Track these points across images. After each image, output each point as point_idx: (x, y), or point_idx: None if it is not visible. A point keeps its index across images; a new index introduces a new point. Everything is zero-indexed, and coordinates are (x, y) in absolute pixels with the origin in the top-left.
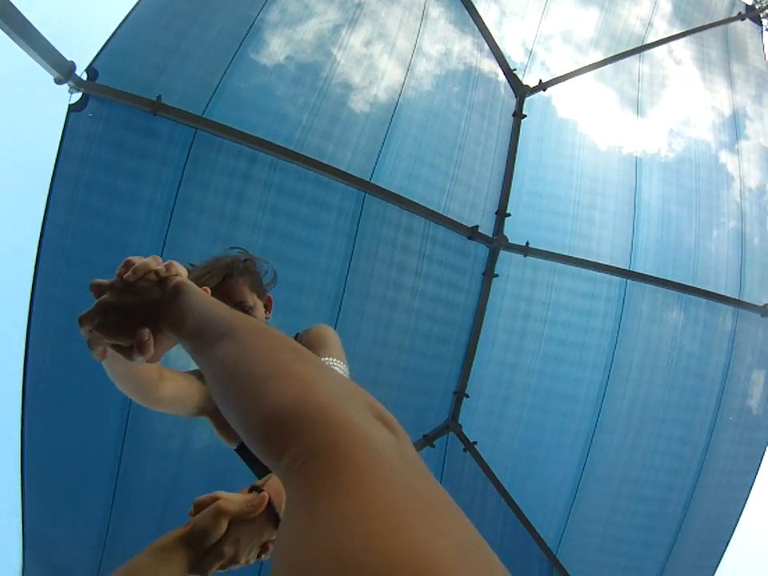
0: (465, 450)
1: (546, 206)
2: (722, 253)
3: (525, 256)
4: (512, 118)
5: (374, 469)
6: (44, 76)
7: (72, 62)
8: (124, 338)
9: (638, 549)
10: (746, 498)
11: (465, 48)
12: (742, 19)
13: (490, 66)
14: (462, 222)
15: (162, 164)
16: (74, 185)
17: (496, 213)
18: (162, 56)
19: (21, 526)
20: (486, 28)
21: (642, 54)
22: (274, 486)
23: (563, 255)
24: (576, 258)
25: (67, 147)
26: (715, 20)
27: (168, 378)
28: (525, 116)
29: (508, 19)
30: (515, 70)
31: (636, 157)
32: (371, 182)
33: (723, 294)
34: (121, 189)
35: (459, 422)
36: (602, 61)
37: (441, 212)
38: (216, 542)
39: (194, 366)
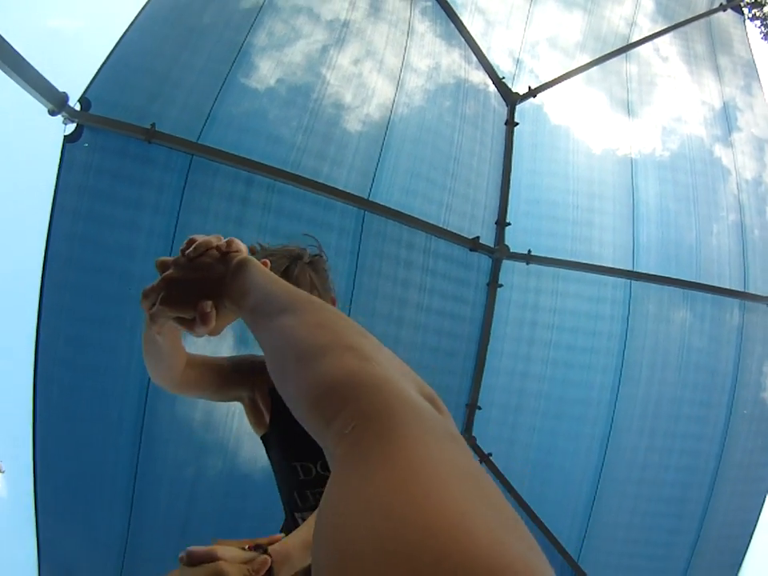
0: (480, 462)
1: (545, 212)
2: (724, 246)
3: (527, 264)
4: (504, 127)
5: (425, 437)
6: (38, 108)
7: (65, 92)
8: (187, 311)
9: (661, 550)
10: (767, 490)
11: (453, 61)
12: (724, 10)
13: (479, 76)
14: (463, 234)
15: (160, 191)
16: (73, 215)
17: (496, 223)
18: (154, 83)
19: (36, 551)
20: (473, 39)
21: (628, 54)
22: (280, 551)
23: (566, 261)
24: (579, 263)
25: (64, 178)
26: (697, 13)
27: (191, 365)
28: (517, 124)
29: (493, 29)
30: (504, 78)
31: (631, 156)
32: (369, 199)
33: (728, 287)
34: (120, 217)
35: (473, 435)
36: (589, 63)
37: (441, 225)
38: None
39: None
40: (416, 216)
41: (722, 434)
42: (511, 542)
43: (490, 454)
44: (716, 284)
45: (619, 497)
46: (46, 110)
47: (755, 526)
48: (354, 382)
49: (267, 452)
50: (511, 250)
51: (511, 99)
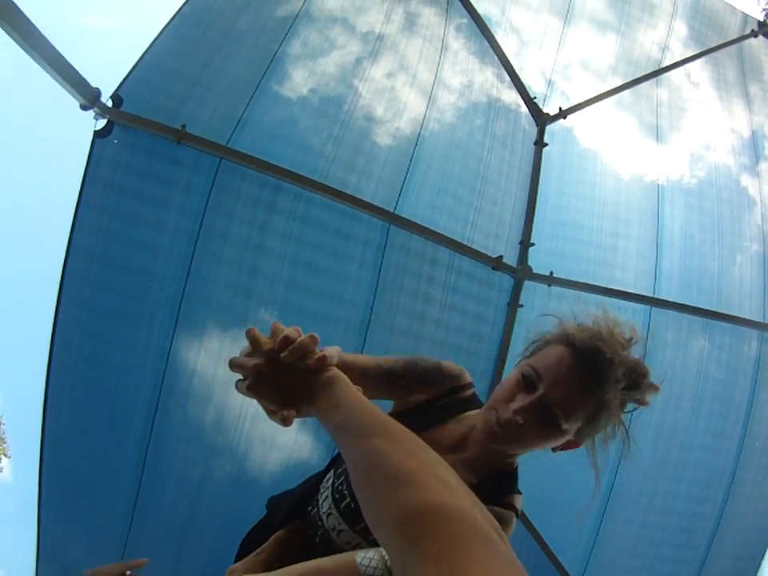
0: None
1: (570, 234)
2: (746, 276)
3: (549, 286)
4: (533, 147)
5: (497, 564)
6: (71, 102)
7: (97, 88)
8: (271, 404)
9: None
10: None
11: (486, 79)
12: (755, 36)
13: (510, 96)
14: (487, 253)
15: (187, 192)
16: (99, 210)
17: (520, 243)
18: (186, 85)
19: (36, 547)
20: (506, 58)
21: (660, 79)
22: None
23: (587, 284)
24: (600, 287)
25: (92, 173)
26: (729, 39)
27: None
28: (546, 144)
29: (527, 48)
30: (535, 98)
31: (658, 182)
32: (395, 212)
33: (747, 317)
34: (145, 215)
35: None
36: (620, 86)
37: (465, 243)
38: None
39: None
40: (441, 232)
41: (733, 465)
42: None
43: None
44: (735, 313)
45: (626, 523)
46: (78, 104)
47: (761, 560)
48: (441, 513)
49: None
50: (534, 271)
51: (542, 119)
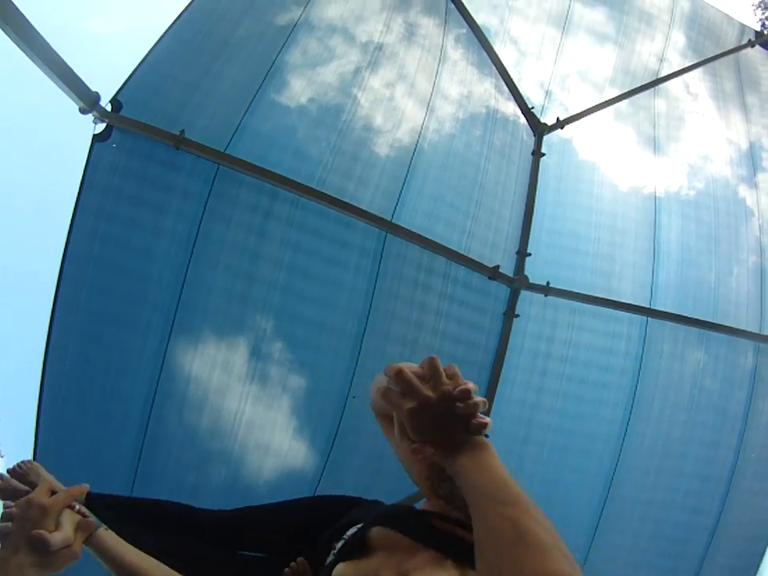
0: None
1: (566, 244)
2: (743, 288)
3: (545, 296)
4: (531, 157)
5: None
6: (70, 105)
7: (97, 92)
8: (415, 435)
9: None
10: None
11: (485, 89)
12: (752, 46)
13: (509, 107)
14: (483, 262)
15: (184, 198)
16: (96, 214)
17: (517, 252)
18: (185, 90)
19: None
20: (505, 69)
21: (658, 90)
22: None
23: (584, 294)
24: (596, 297)
25: (90, 177)
26: (726, 49)
27: None
28: (543, 154)
29: (525, 60)
30: (533, 108)
31: (655, 193)
32: (392, 221)
33: (744, 328)
34: (142, 220)
35: None
36: (618, 96)
37: (462, 252)
38: None
39: None
40: (437, 241)
41: (728, 475)
42: None
43: None
44: (732, 324)
45: (621, 533)
46: (77, 108)
47: (756, 571)
48: None
49: None
50: (530, 281)
51: (539, 129)
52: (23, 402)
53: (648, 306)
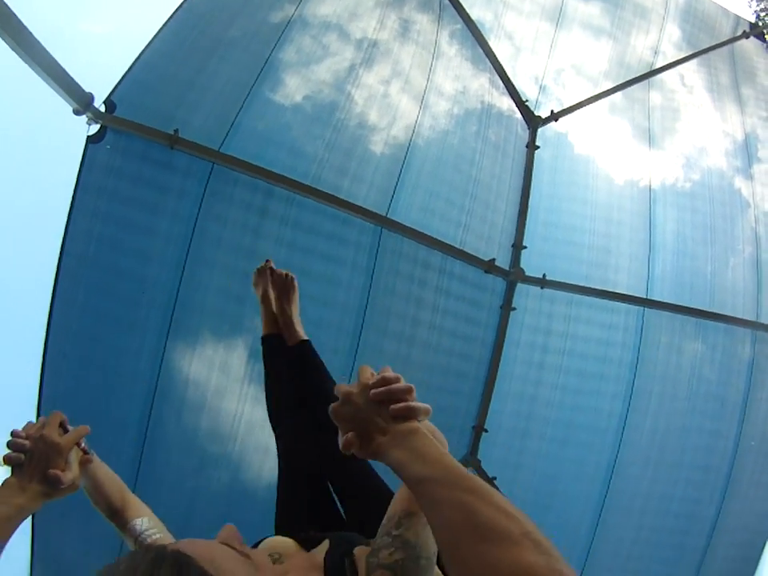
0: None
1: (562, 236)
2: (739, 277)
3: (542, 288)
4: (525, 150)
5: None
6: (63, 107)
7: (90, 93)
8: (341, 428)
9: None
10: None
11: (479, 84)
12: (747, 37)
13: (504, 101)
14: (479, 256)
15: (179, 197)
16: (92, 215)
17: (512, 245)
18: (179, 90)
19: (30, 551)
20: (500, 63)
21: (653, 83)
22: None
23: (580, 286)
24: (593, 289)
25: (85, 178)
26: (721, 41)
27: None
28: (538, 147)
29: (520, 54)
30: (527, 101)
31: (650, 184)
32: (388, 216)
33: (741, 317)
34: (138, 221)
35: (478, 457)
36: (612, 88)
37: (457, 246)
38: None
39: None
40: (433, 235)
41: (728, 465)
42: None
43: (495, 478)
44: (729, 313)
45: (622, 527)
46: (71, 109)
47: (758, 562)
48: (536, 574)
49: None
50: (526, 274)
51: (534, 122)
52: (23, 401)
53: (644, 297)
